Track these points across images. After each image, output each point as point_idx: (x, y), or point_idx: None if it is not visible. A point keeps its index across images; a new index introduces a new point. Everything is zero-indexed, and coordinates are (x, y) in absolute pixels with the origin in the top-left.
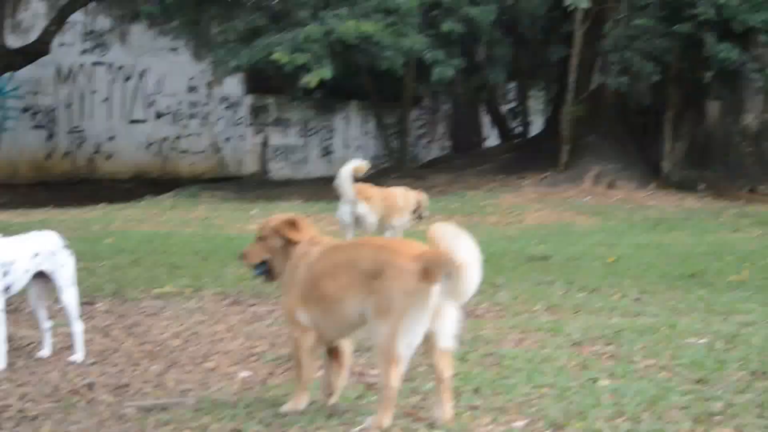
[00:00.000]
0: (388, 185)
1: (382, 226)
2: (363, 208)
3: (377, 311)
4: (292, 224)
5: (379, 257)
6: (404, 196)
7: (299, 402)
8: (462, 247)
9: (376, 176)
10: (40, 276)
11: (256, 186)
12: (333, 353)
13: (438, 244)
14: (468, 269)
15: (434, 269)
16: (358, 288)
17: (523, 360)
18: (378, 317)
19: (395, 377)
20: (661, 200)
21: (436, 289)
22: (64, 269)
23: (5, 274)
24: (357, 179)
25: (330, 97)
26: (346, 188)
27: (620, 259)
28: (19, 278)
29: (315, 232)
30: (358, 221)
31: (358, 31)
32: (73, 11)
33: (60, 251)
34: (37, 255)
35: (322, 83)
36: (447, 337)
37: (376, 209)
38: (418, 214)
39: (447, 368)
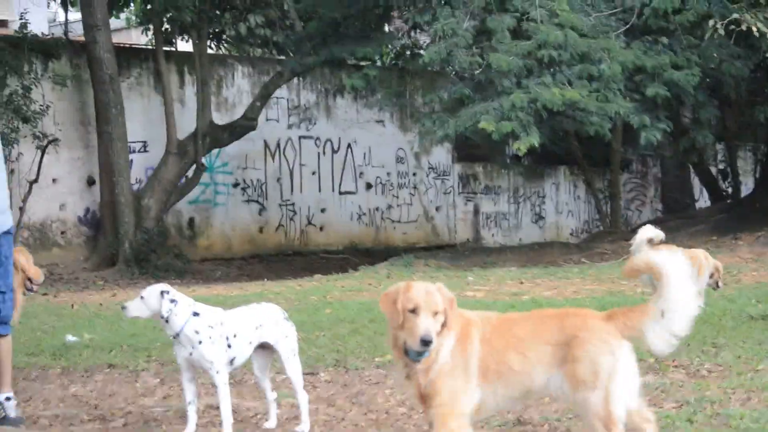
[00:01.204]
0: (608, 249)
1: None
2: None
3: (582, 379)
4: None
5: (567, 324)
6: (706, 258)
7: None
8: (672, 263)
9: (590, 240)
10: (263, 348)
11: (470, 253)
12: None
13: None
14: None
15: (631, 322)
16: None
17: (750, 419)
18: (583, 385)
19: None
20: None
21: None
22: (287, 340)
23: (229, 346)
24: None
25: (539, 163)
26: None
27: None
28: (243, 350)
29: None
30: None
31: (564, 98)
32: (277, 87)
33: (282, 322)
34: (259, 327)
35: (530, 150)
36: (633, 396)
37: None
38: (714, 280)
39: (648, 424)
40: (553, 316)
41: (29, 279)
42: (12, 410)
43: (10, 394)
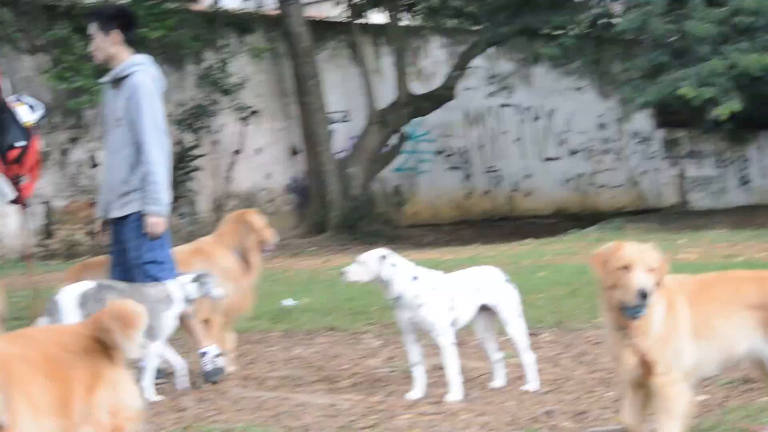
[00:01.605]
0: None
1: None
2: None
3: None
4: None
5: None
6: None
7: None
8: None
9: None
10: (485, 309)
11: (678, 217)
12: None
13: None
14: None
15: None
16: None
17: None
18: None
19: None
20: None
21: None
22: (509, 302)
23: (451, 308)
24: None
25: (743, 128)
26: None
27: None
28: (464, 312)
29: None
30: None
31: (762, 63)
32: (473, 57)
33: (502, 284)
34: (480, 289)
35: (733, 114)
36: None
37: None
38: None
39: None
40: (752, 279)
41: (263, 242)
42: (213, 364)
43: (208, 349)
